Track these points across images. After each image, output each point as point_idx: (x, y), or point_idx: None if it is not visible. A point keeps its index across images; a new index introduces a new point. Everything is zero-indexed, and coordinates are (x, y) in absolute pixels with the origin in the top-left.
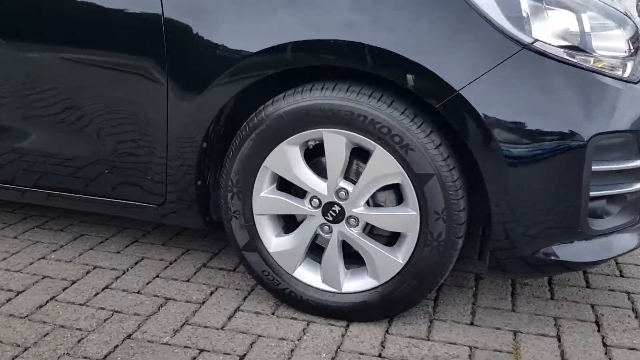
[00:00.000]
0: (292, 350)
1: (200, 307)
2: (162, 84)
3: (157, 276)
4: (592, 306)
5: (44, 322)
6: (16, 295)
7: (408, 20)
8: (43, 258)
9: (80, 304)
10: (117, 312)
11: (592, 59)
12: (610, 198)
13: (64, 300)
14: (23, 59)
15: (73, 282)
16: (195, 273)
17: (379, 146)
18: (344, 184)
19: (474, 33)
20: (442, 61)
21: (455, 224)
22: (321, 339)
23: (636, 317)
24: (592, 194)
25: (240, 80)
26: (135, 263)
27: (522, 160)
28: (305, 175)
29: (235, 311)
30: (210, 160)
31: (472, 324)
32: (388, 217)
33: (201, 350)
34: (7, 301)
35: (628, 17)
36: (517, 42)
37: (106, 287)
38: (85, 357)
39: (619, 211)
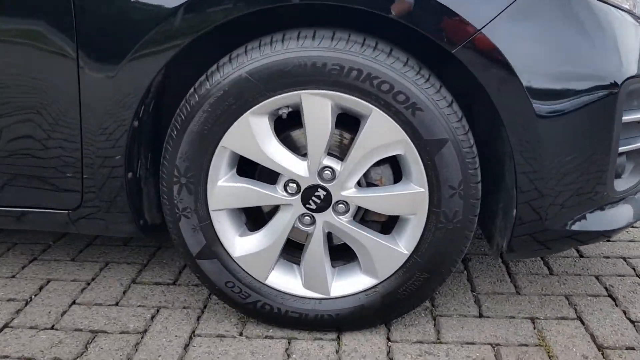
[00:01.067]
0: None
1: (142, 337)
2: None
3: (74, 302)
4: (597, 277)
5: None
6: None
7: None
8: None
9: None
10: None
11: None
12: (628, 154)
13: None
14: None
15: None
16: (124, 293)
17: (376, 108)
18: (328, 161)
19: None
20: None
21: (473, 199)
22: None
23: (611, 299)
24: (620, 149)
25: (184, 31)
26: (40, 288)
27: (554, 111)
28: (277, 154)
29: (190, 337)
30: (140, 145)
31: (481, 315)
32: (388, 198)
33: None
34: None
35: None
36: None
37: (5, 325)
38: None
39: (632, 169)
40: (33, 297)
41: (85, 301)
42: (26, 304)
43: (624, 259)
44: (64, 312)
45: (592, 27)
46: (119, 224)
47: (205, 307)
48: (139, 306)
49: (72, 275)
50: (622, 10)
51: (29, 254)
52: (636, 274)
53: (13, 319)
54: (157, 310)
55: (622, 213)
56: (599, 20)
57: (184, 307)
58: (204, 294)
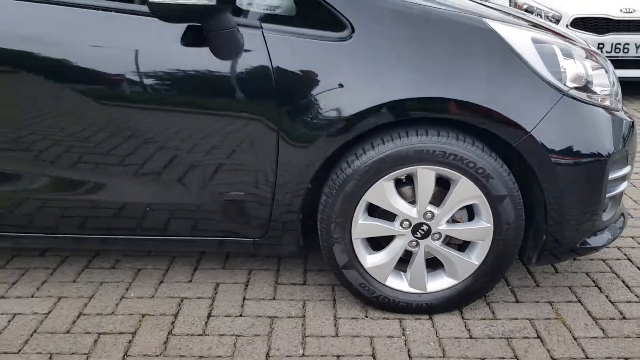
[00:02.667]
0: (405, 343)
1: (304, 320)
2: (268, 151)
3: (245, 298)
4: (587, 274)
5: None
6: None
7: (482, 69)
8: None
9: None
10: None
11: (597, 97)
12: (612, 197)
13: None
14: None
15: None
16: (274, 290)
17: (463, 177)
18: (430, 207)
19: (533, 90)
20: (515, 110)
21: (519, 230)
22: (420, 331)
23: (618, 277)
24: (607, 194)
25: (349, 132)
26: (215, 289)
27: (569, 174)
28: (398, 203)
29: (334, 319)
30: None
31: (517, 301)
32: (468, 230)
33: (338, 356)
34: None
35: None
36: (559, 90)
37: (209, 315)
38: None
39: (610, 206)
40: (214, 295)
41: (251, 297)
42: (213, 301)
43: (603, 261)
44: (242, 305)
45: (596, 122)
46: (286, 248)
47: (334, 299)
48: (290, 299)
49: (234, 279)
50: (604, 108)
51: (192, 265)
52: (612, 271)
53: (210, 312)
54: (304, 303)
55: (606, 235)
56: (599, 117)
57: (320, 300)
58: (329, 291)
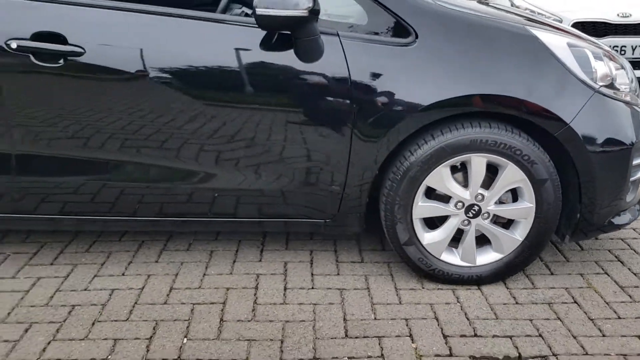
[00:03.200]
0: (461, 308)
1: (369, 291)
2: (343, 142)
3: (313, 274)
4: (609, 251)
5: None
6: None
7: (527, 71)
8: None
9: None
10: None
11: (621, 93)
12: (634, 181)
13: None
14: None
15: None
16: (337, 267)
17: (511, 163)
18: (481, 190)
19: (570, 87)
20: (557, 105)
21: (557, 209)
22: (472, 299)
23: (636, 253)
24: (631, 178)
25: (413, 126)
26: (285, 267)
27: (600, 160)
28: (453, 187)
29: (395, 290)
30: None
31: (552, 273)
32: (513, 210)
33: (406, 319)
34: None
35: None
36: (591, 88)
37: (285, 287)
38: None
39: (632, 189)
40: (285, 272)
41: (318, 273)
42: (285, 276)
43: (622, 240)
44: (312, 280)
45: (621, 115)
46: (350, 228)
47: (391, 274)
48: (353, 275)
49: (298, 258)
50: (626, 103)
51: (258, 247)
52: (631, 248)
53: (285, 285)
54: (366, 277)
55: (627, 216)
56: (623, 111)
57: (379, 275)
58: (385, 267)
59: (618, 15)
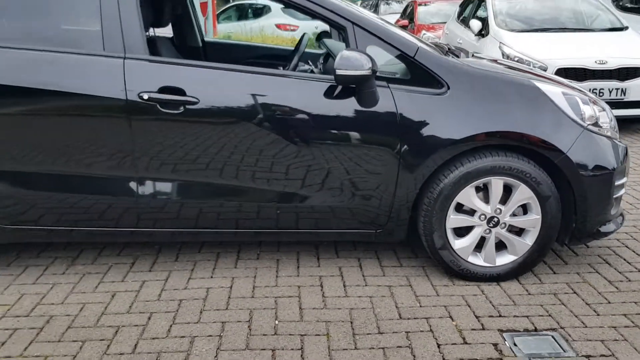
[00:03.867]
0: (486, 298)
1: (411, 287)
2: (392, 168)
3: (364, 276)
4: (598, 255)
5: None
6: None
7: (532, 113)
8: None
9: None
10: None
11: (603, 129)
12: (616, 197)
13: None
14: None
15: None
16: (382, 269)
17: (522, 184)
18: (499, 205)
19: (565, 126)
20: (556, 138)
21: (558, 220)
22: (494, 291)
23: (620, 257)
24: (614, 196)
25: (447, 155)
26: (341, 272)
27: (590, 181)
28: (477, 203)
29: (432, 287)
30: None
31: (554, 272)
32: (524, 221)
33: (445, 306)
34: None
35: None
36: (581, 126)
37: (342, 287)
38: None
39: (615, 205)
40: (341, 274)
41: (368, 274)
42: (342, 277)
43: (608, 247)
44: (364, 279)
45: (605, 147)
46: (397, 236)
47: (427, 275)
48: (395, 276)
49: (350, 263)
50: (607, 137)
51: (314, 255)
52: (615, 254)
53: (344, 283)
54: (407, 277)
55: (612, 226)
56: (606, 144)
57: (417, 276)
58: (421, 270)
59: (596, 62)
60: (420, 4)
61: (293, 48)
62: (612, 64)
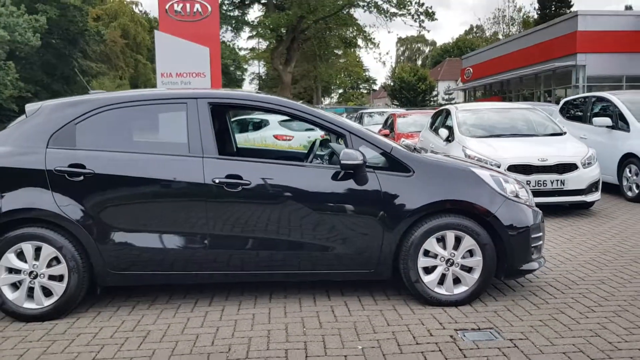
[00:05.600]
0: (449, 315)
1: (396, 311)
2: (380, 226)
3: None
4: (529, 289)
5: None
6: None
7: (469, 187)
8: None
9: None
10: None
11: (522, 199)
12: (535, 246)
13: None
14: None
15: None
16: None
17: (467, 235)
18: (452, 251)
19: (492, 195)
20: (486, 203)
21: (494, 260)
22: (454, 311)
23: (543, 290)
24: (532, 245)
25: (414, 217)
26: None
27: (514, 233)
28: (438, 249)
29: (411, 310)
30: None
31: (495, 299)
32: (471, 261)
33: (422, 320)
34: None
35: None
36: (503, 196)
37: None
38: None
39: (535, 252)
40: (345, 302)
41: (365, 303)
42: (346, 305)
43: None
44: (363, 307)
45: (522, 211)
46: (385, 275)
47: (406, 303)
48: (383, 304)
49: (355, 296)
50: (525, 204)
51: (325, 292)
52: (549, 284)
53: (349, 309)
54: (393, 305)
55: (535, 264)
56: (523, 209)
57: (400, 304)
58: (402, 300)
59: (538, 160)
60: (399, 116)
61: (297, 151)
62: (552, 161)
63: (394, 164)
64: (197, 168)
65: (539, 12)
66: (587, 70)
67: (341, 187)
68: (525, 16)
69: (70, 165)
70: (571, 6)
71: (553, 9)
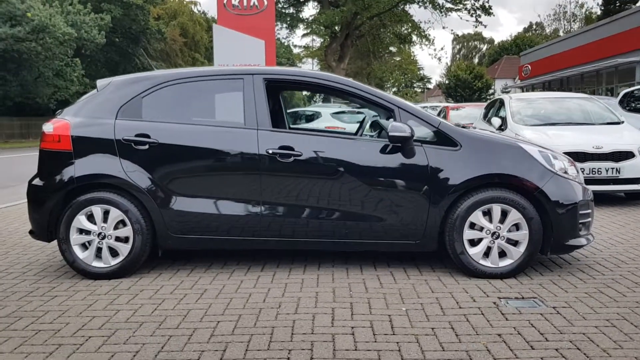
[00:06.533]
0: (492, 285)
1: (440, 281)
2: (426, 198)
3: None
4: (577, 267)
5: None
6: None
7: (516, 162)
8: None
9: None
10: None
11: (570, 176)
12: (583, 222)
13: None
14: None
15: None
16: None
17: (514, 209)
18: (498, 224)
19: (539, 170)
20: (534, 178)
21: (540, 235)
22: (498, 282)
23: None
24: (580, 221)
25: (461, 190)
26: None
27: (561, 208)
28: (484, 222)
29: (455, 280)
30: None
31: (541, 274)
32: (517, 235)
33: (465, 290)
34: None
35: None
36: (551, 172)
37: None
38: None
39: (583, 228)
40: (391, 273)
41: (410, 274)
42: (393, 275)
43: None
44: (402, 279)
45: (571, 187)
46: (430, 247)
47: (451, 274)
48: (429, 275)
49: (388, 271)
50: (574, 181)
51: (372, 263)
52: (596, 261)
53: (394, 279)
54: (438, 276)
55: (582, 240)
56: (572, 185)
57: (445, 275)
58: (447, 272)
59: (593, 147)
60: (452, 109)
61: (348, 132)
62: (607, 148)
63: (441, 138)
64: (252, 139)
65: (602, 8)
66: None
67: (389, 160)
68: (587, 12)
69: (137, 135)
70: (637, 2)
71: (618, 4)
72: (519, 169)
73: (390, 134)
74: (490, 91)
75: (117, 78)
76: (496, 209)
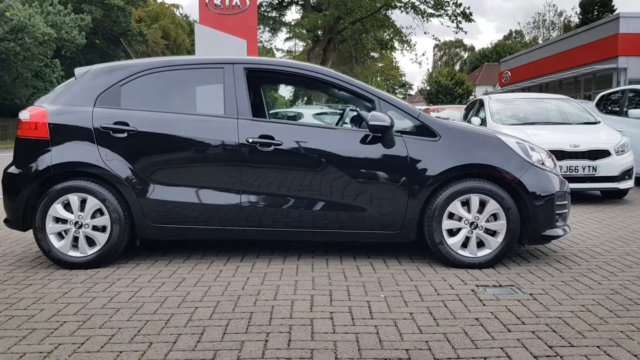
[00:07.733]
0: (472, 275)
1: (419, 270)
2: (405, 188)
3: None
4: (554, 258)
5: None
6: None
7: (495, 153)
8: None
9: None
10: None
11: (547, 167)
12: (559, 213)
13: None
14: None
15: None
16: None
17: (492, 199)
18: (477, 214)
19: (517, 161)
20: (511, 169)
21: (518, 225)
22: (476, 272)
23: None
24: (557, 212)
25: (438, 181)
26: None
27: (538, 199)
28: (463, 212)
29: (434, 270)
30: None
31: (516, 264)
32: (495, 225)
33: (444, 278)
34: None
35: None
36: (529, 163)
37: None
38: None
39: (559, 219)
40: (371, 263)
41: (390, 265)
42: (372, 265)
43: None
44: (382, 269)
45: (547, 178)
46: (409, 237)
47: (430, 264)
48: (407, 265)
49: (381, 258)
50: (550, 172)
51: (367, 255)
52: (572, 251)
53: (387, 265)
54: (417, 266)
55: (559, 230)
56: (549, 176)
57: (423, 265)
58: (426, 262)
59: (570, 145)
60: (432, 111)
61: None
62: (584, 147)
63: (421, 129)
64: (232, 128)
65: (580, 17)
66: (628, 73)
67: (369, 150)
68: (566, 20)
69: (115, 123)
70: (614, 10)
71: (595, 13)
72: (497, 160)
73: (370, 123)
74: (471, 97)
75: (96, 66)
76: (474, 199)
